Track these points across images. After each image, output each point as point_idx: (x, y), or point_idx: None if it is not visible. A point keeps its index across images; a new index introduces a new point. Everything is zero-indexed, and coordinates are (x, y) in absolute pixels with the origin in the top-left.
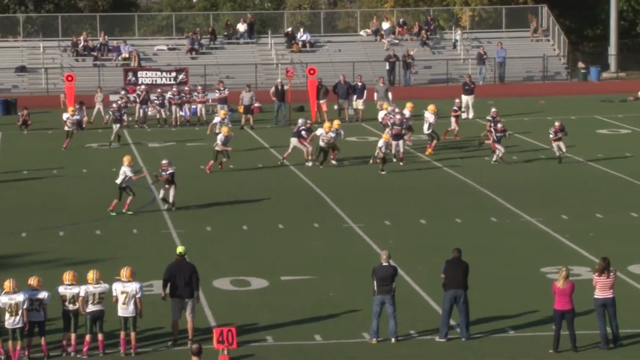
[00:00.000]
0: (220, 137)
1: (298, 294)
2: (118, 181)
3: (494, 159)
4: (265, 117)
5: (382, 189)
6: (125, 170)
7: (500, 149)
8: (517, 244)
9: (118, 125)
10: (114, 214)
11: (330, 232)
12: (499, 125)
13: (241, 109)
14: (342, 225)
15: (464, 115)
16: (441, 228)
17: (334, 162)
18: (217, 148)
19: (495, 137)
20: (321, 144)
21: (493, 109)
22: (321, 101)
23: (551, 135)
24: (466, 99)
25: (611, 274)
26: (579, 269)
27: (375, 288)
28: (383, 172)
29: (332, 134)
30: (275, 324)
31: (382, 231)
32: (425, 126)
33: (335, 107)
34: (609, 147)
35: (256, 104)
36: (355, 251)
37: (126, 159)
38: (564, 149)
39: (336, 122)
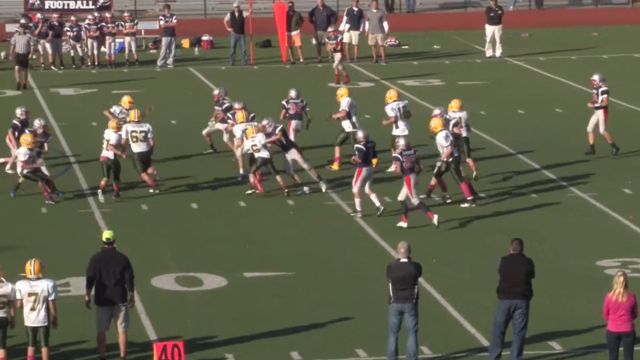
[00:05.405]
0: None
1: (267, 296)
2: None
3: None
4: (220, 54)
5: None
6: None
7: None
8: (570, 227)
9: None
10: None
11: (312, 210)
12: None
13: (187, 44)
14: (326, 203)
15: (488, 53)
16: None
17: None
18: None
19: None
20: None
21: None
22: (293, 33)
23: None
24: (491, 30)
25: None
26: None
27: (392, 293)
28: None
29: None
30: (237, 336)
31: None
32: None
33: (313, 41)
34: None
35: (205, 37)
36: (352, 238)
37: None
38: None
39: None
